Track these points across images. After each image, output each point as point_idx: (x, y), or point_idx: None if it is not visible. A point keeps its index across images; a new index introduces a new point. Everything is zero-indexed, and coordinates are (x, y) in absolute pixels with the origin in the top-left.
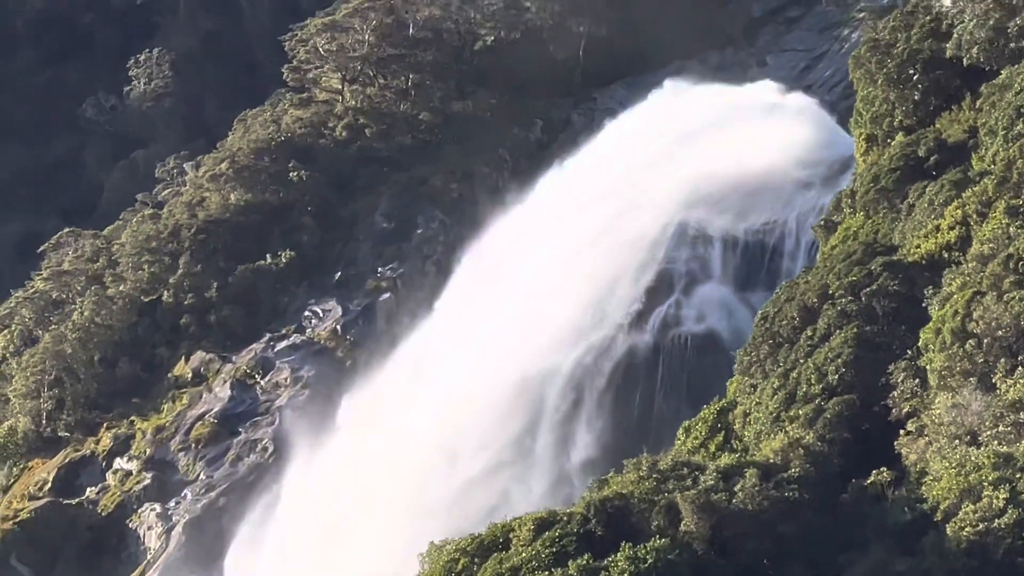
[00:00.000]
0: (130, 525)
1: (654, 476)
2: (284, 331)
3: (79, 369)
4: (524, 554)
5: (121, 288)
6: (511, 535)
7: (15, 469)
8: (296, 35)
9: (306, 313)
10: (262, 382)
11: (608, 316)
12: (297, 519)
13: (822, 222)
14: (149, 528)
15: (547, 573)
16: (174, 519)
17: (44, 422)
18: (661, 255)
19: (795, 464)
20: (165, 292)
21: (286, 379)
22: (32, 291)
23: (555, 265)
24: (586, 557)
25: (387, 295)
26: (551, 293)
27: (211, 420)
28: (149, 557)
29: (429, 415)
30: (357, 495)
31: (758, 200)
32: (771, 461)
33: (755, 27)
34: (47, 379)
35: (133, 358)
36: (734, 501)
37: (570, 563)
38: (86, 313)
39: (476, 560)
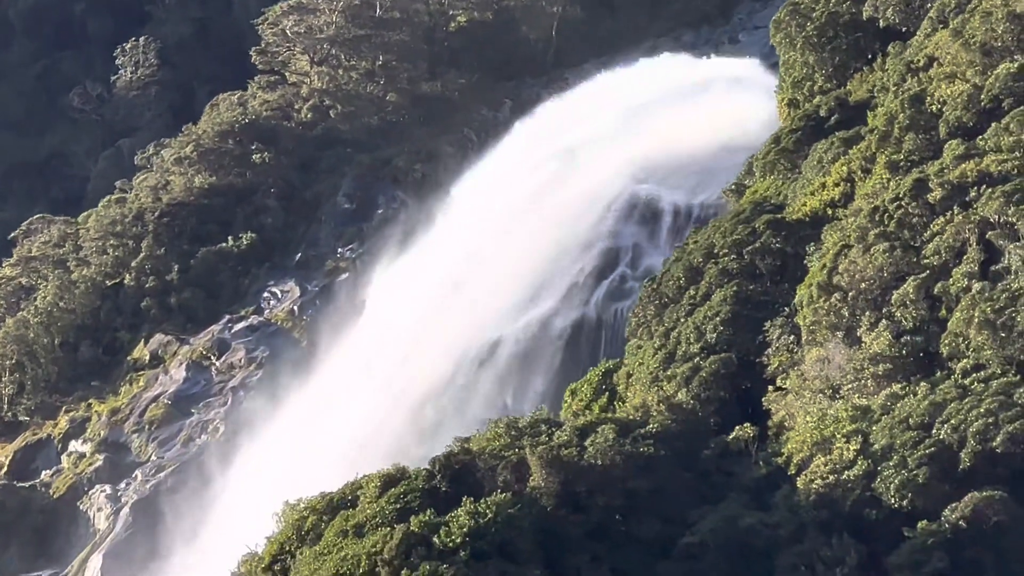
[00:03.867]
0: (81, 507)
1: (511, 433)
2: (243, 313)
3: (40, 353)
4: (369, 510)
5: (85, 272)
6: (359, 492)
7: None
8: (266, 18)
9: (265, 294)
10: (217, 363)
11: (551, 290)
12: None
13: (732, 186)
14: (99, 509)
15: (389, 529)
16: (123, 500)
17: (5, 406)
18: (608, 228)
19: (654, 420)
20: (127, 275)
21: (241, 360)
22: (0, 277)
23: (499, 237)
24: (429, 513)
25: (345, 275)
26: (493, 266)
27: (165, 402)
28: (96, 538)
29: (370, 393)
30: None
31: (712, 175)
32: (630, 418)
33: (731, 5)
34: (8, 364)
35: (95, 342)
36: (585, 456)
37: (412, 519)
38: (49, 298)
39: (324, 518)
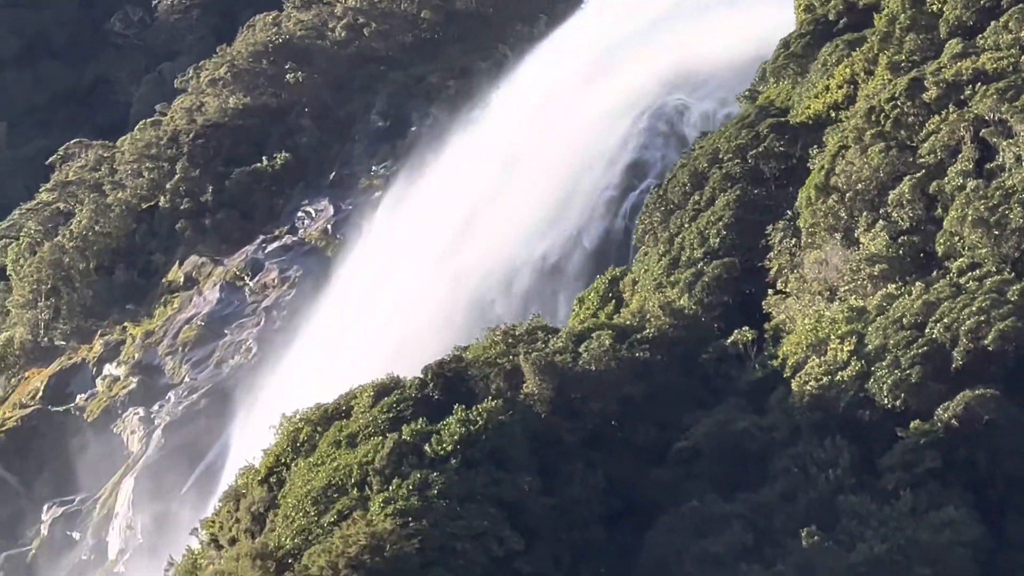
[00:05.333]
0: (114, 430)
1: (507, 341)
2: (277, 233)
3: (76, 278)
4: (362, 420)
5: (120, 195)
6: (353, 402)
7: (13, 380)
8: None
9: (299, 214)
10: (251, 283)
11: (581, 202)
12: None
13: (746, 92)
14: (132, 432)
15: (381, 438)
16: (156, 422)
17: (42, 331)
18: (637, 140)
19: (651, 325)
20: (162, 198)
21: (274, 280)
22: (37, 203)
23: (527, 151)
24: (421, 421)
25: (378, 193)
26: (523, 179)
27: (198, 323)
28: (129, 461)
29: (399, 304)
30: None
31: (743, 85)
32: (628, 323)
33: None
34: (44, 289)
35: (130, 265)
36: (579, 363)
37: (404, 427)
38: (84, 222)
39: (319, 429)
